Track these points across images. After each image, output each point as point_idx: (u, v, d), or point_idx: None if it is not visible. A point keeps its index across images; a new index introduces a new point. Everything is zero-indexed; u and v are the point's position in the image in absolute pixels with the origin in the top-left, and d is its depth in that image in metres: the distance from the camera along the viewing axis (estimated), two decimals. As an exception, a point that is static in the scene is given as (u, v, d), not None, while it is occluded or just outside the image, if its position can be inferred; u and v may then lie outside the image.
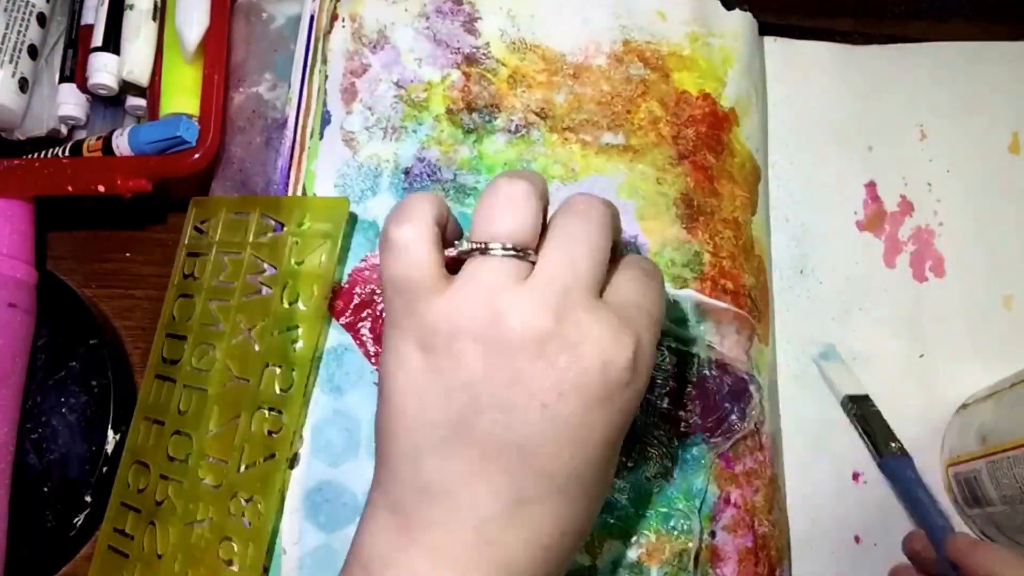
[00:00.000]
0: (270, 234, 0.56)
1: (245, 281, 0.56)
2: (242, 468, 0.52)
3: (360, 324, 0.53)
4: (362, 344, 0.53)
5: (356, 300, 0.53)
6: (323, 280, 0.53)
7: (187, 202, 0.61)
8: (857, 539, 0.59)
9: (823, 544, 0.58)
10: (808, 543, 0.58)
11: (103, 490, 0.58)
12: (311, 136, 0.56)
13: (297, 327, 0.53)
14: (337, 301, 0.53)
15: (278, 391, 0.52)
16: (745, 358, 0.56)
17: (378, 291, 0.53)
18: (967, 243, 0.65)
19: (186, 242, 0.60)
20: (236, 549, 0.50)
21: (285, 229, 0.55)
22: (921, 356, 0.62)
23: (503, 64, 0.58)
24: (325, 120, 0.57)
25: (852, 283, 0.63)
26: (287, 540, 0.50)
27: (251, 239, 0.56)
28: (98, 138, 0.60)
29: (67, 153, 0.61)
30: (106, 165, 0.58)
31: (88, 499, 0.57)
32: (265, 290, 0.55)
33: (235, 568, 0.50)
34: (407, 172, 0.56)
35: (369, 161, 0.56)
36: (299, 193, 0.55)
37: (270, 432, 0.52)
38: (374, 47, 0.58)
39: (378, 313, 0.53)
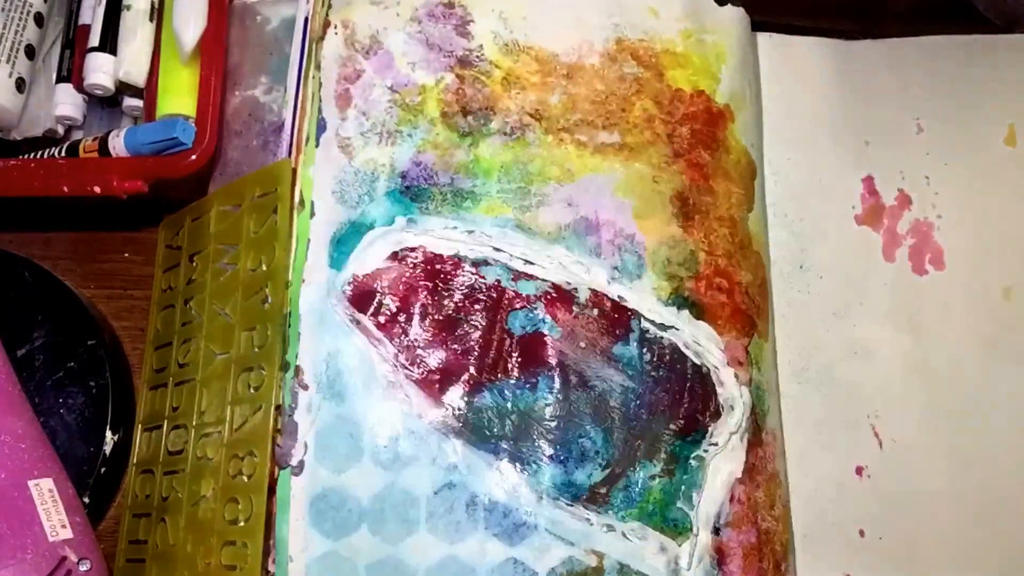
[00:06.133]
0: (229, 219, 0.58)
1: (214, 268, 0.57)
2: (235, 429, 0.53)
3: (364, 317, 0.53)
4: (371, 336, 0.53)
5: (358, 298, 0.54)
6: (281, 236, 0.54)
7: (184, 203, 0.62)
8: (862, 533, 0.59)
9: (828, 539, 0.58)
10: (813, 538, 0.58)
11: (102, 491, 0.59)
12: (307, 142, 0.56)
13: (264, 287, 0.54)
14: (339, 304, 0.53)
15: (256, 349, 0.53)
16: (745, 355, 0.56)
17: (379, 289, 0.54)
18: (966, 235, 0.64)
19: (161, 261, 0.63)
20: (241, 506, 0.51)
21: (240, 207, 0.57)
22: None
23: (496, 66, 0.58)
24: (320, 127, 0.57)
25: (852, 277, 0.63)
26: (294, 548, 0.50)
27: (212, 230, 0.58)
28: (94, 139, 0.60)
29: (63, 154, 0.61)
30: (102, 166, 0.58)
31: (87, 500, 0.57)
32: (232, 268, 0.56)
33: (241, 524, 0.51)
34: (404, 176, 0.56)
35: (365, 166, 0.56)
36: (297, 199, 0.55)
37: (254, 389, 0.53)
38: (367, 52, 0.58)
39: (381, 308, 0.54)
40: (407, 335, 0.53)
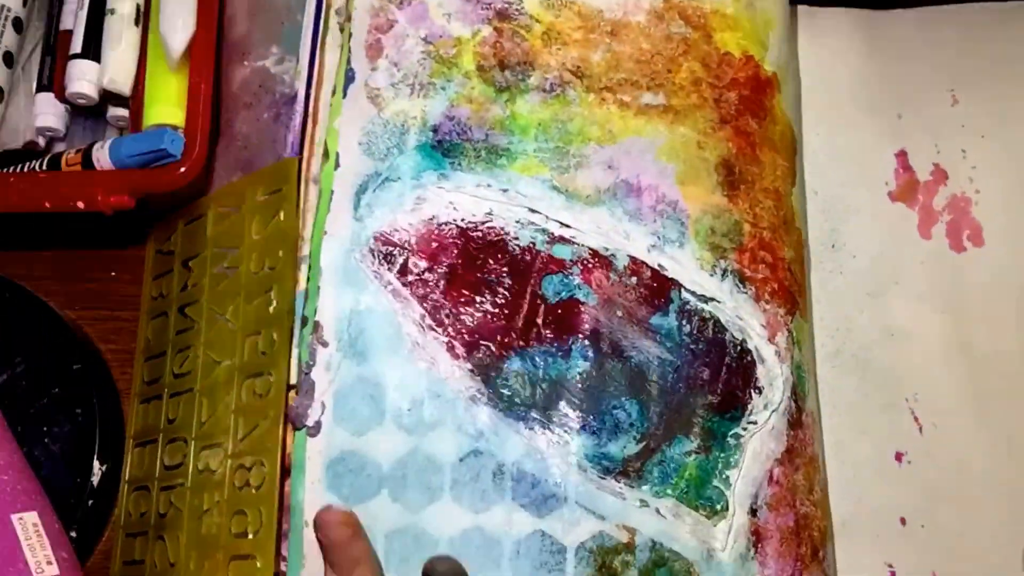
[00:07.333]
0: (228, 220, 0.56)
1: (213, 273, 0.56)
2: (241, 439, 0.52)
3: (390, 275, 0.52)
4: (396, 294, 0.51)
5: (384, 254, 0.52)
6: (287, 238, 0.53)
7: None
8: (903, 521, 0.57)
9: (868, 526, 0.57)
10: (852, 526, 0.57)
11: (89, 524, 0.57)
12: (333, 94, 0.55)
13: (269, 290, 0.53)
14: (363, 259, 0.52)
15: (261, 355, 0.52)
16: (787, 332, 0.54)
17: (407, 246, 0.52)
18: (1006, 210, 0.63)
19: (151, 268, 0.61)
20: (249, 518, 0.50)
21: (241, 208, 0.55)
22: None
23: (537, 20, 0.56)
24: (349, 78, 0.55)
25: (887, 256, 0.62)
26: (309, 514, 0.49)
27: (210, 233, 0.57)
28: (77, 151, 0.58)
29: (45, 167, 0.59)
30: (86, 180, 0.56)
31: (73, 534, 0.55)
32: (232, 272, 0.55)
33: (250, 537, 0.49)
34: (436, 130, 0.54)
35: (395, 118, 0.54)
36: (319, 155, 0.54)
37: (261, 395, 0.51)
38: (400, 2, 0.56)
39: (407, 266, 0.52)
40: (434, 295, 0.52)
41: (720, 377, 0.52)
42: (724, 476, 0.51)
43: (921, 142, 0.64)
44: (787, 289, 0.55)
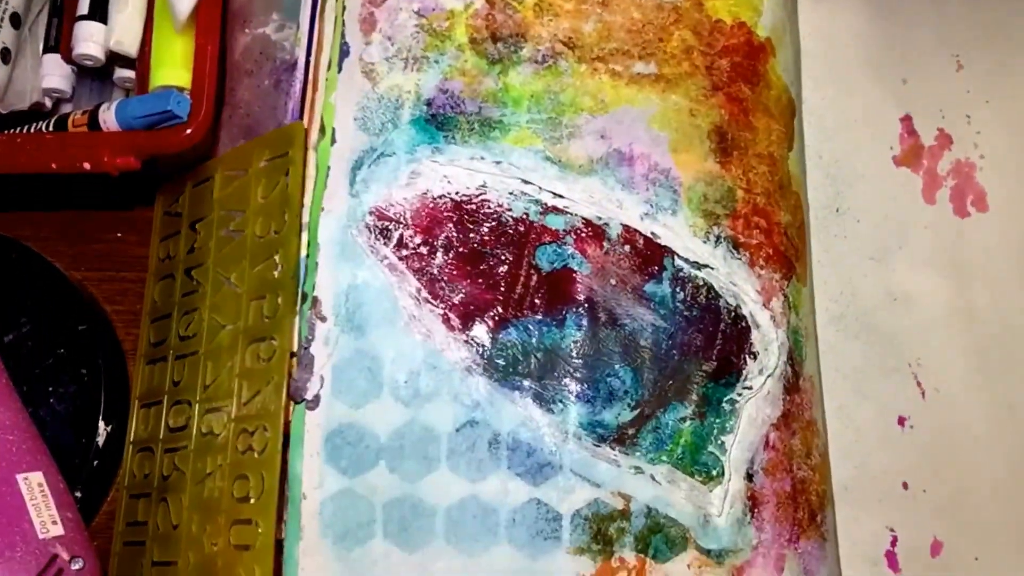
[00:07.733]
0: (235, 183, 0.56)
1: (219, 236, 0.56)
2: (244, 403, 0.52)
3: (386, 249, 0.52)
4: (392, 269, 0.51)
5: (380, 228, 0.52)
6: (292, 202, 0.53)
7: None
8: (905, 485, 0.57)
9: (870, 491, 0.57)
10: (854, 490, 0.57)
11: (94, 485, 0.57)
12: (329, 68, 0.55)
13: (274, 254, 0.53)
14: (359, 234, 0.52)
15: (265, 319, 0.52)
16: (782, 297, 0.54)
17: (402, 220, 0.52)
18: (1010, 175, 0.63)
19: (158, 228, 0.61)
20: (251, 483, 0.50)
21: (247, 171, 0.55)
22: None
23: (528, -9, 0.56)
24: (344, 52, 0.55)
25: (890, 221, 0.62)
26: (307, 485, 0.49)
27: (216, 196, 0.57)
28: (84, 112, 0.58)
29: (51, 128, 0.59)
30: (92, 141, 0.56)
31: (78, 494, 0.55)
32: (238, 235, 0.55)
33: (252, 501, 0.50)
34: (429, 103, 0.54)
35: (389, 93, 0.54)
36: (316, 129, 0.54)
37: (264, 360, 0.51)
38: (393, -24, 0.56)
39: (403, 240, 0.52)
40: (430, 268, 0.52)
41: (714, 343, 0.52)
42: (719, 442, 0.51)
43: (926, 107, 0.64)
44: (782, 254, 0.55)
